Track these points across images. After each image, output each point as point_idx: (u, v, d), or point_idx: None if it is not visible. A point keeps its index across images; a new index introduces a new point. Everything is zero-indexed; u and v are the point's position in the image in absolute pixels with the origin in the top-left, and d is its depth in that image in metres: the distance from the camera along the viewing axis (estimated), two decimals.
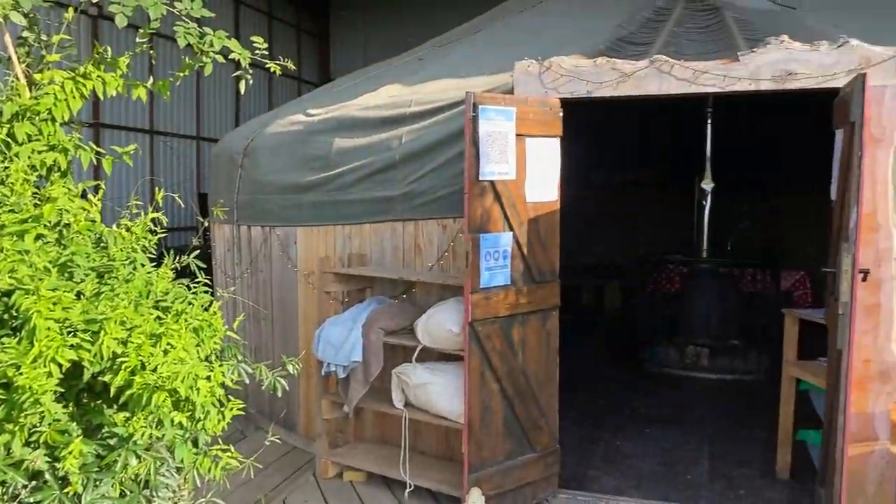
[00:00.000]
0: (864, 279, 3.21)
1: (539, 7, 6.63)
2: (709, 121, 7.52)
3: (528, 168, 3.94)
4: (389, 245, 4.66)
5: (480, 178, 3.71)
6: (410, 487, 4.16)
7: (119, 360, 2.12)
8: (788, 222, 11.56)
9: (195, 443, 2.38)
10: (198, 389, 2.18)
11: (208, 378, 2.28)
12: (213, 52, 2.66)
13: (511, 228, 3.88)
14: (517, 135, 3.84)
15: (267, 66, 2.81)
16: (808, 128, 10.34)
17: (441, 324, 3.94)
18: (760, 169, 11.81)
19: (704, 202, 7.35)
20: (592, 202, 12.61)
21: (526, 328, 4.00)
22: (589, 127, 11.28)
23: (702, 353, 7.02)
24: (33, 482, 2.12)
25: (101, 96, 2.61)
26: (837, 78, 3.55)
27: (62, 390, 2.14)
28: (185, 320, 2.32)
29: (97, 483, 2.16)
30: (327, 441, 4.59)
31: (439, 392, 4.00)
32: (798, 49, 3.65)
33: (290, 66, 2.87)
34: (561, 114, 4.04)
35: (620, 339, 8.44)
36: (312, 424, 4.91)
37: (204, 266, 2.70)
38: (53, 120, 2.49)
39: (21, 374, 1.98)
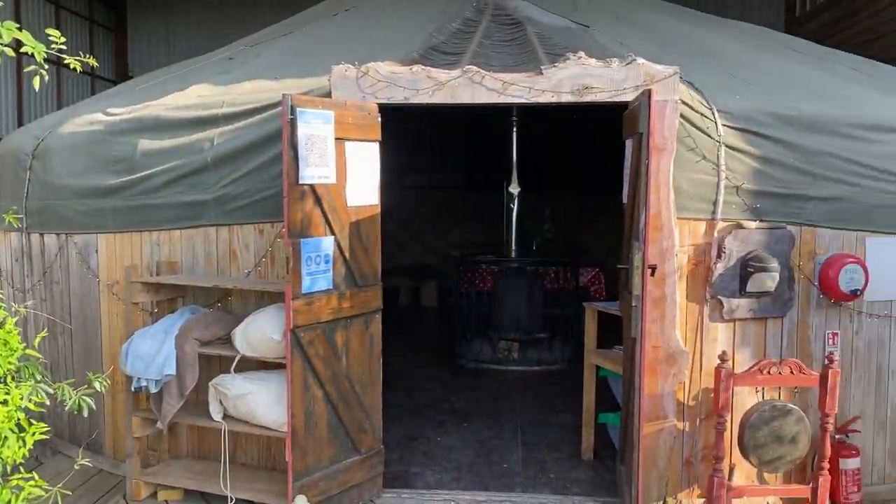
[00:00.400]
0: (652, 274, 3.58)
1: (351, 11, 6.66)
2: (514, 128, 7.97)
3: (349, 172, 3.96)
4: (202, 252, 4.47)
5: (300, 182, 3.68)
6: (232, 501, 4.02)
7: None
8: (583, 222, 12.53)
9: None
10: None
11: (4, 402, 2.08)
12: (2, 44, 2.42)
13: (332, 233, 3.87)
14: (336, 138, 3.84)
15: (66, 62, 2.60)
16: (602, 137, 11.27)
17: (261, 331, 3.85)
18: (562, 173, 12.66)
19: (512, 205, 7.78)
20: (408, 205, 12.87)
21: (349, 332, 4.01)
22: (402, 130, 11.50)
23: (512, 347, 7.41)
24: None
25: None
26: (627, 92, 3.92)
27: None
28: None
29: None
30: (139, 460, 4.31)
31: (261, 402, 3.91)
32: (593, 65, 3.98)
33: (93, 62, 2.68)
34: (379, 119, 4.10)
35: (437, 338, 8.69)
36: (121, 444, 4.60)
37: None
38: None
39: None
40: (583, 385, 4.89)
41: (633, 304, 3.46)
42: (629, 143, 3.92)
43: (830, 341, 4.14)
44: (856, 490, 4.04)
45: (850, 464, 4.03)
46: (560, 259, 7.89)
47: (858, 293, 4.01)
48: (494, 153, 12.31)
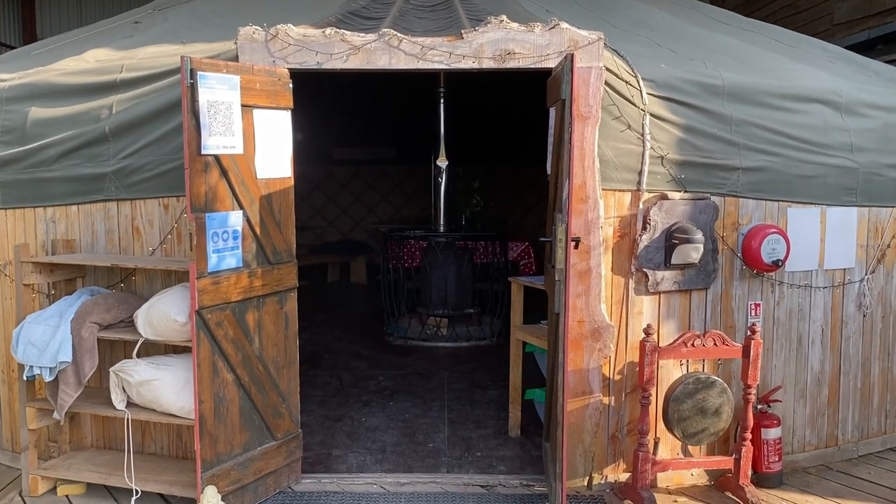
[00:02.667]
0: (576, 247, 3.45)
1: None
2: (441, 100, 7.76)
3: (258, 142, 3.68)
4: (102, 228, 4.13)
5: (203, 153, 3.39)
6: (137, 494, 3.75)
7: None
8: (513, 196, 12.46)
9: None
10: None
11: None
12: None
13: (241, 207, 3.60)
14: (243, 105, 3.55)
15: None
16: (526, 106, 11.16)
17: (165, 314, 3.56)
18: (491, 145, 12.53)
19: (440, 178, 7.59)
20: (336, 180, 12.54)
21: (262, 312, 3.76)
22: (329, 102, 11.13)
23: (441, 323, 7.27)
24: None
25: None
26: (550, 58, 3.75)
27: None
28: None
29: None
30: (35, 453, 3.98)
31: (166, 388, 3.63)
32: (516, 29, 3.80)
33: None
34: (290, 85, 3.83)
35: (366, 315, 8.48)
36: (20, 437, 4.24)
37: None
38: None
39: None
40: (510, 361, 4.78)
41: (557, 279, 3.32)
42: (553, 112, 3.77)
43: (753, 312, 4.11)
44: (777, 459, 4.05)
45: (771, 433, 4.03)
46: (488, 233, 7.74)
47: (780, 263, 3.98)
48: (424, 126, 12.09)
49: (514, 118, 12.03)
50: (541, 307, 5.04)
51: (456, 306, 7.41)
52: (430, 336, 7.17)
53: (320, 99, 11.30)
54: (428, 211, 12.81)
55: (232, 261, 3.57)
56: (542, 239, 3.56)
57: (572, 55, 3.21)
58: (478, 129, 12.29)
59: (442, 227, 7.64)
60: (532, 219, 12.40)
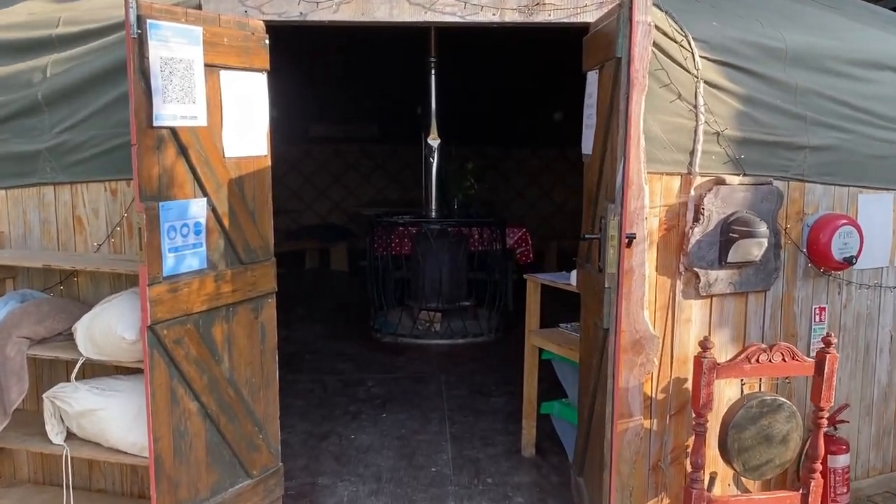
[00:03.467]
0: (629, 245, 2.77)
1: None
2: (433, 72, 7.02)
3: (226, 111, 2.94)
4: (37, 218, 3.36)
5: (155, 124, 2.64)
6: None
7: None
8: (500, 178, 11.76)
9: None
10: None
11: None
12: None
13: (205, 194, 2.87)
14: (207, 65, 2.81)
15: None
16: (518, 81, 10.40)
17: (109, 328, 2.82)
18: (477, 123, 11.77)
19: (431, 159, 6.86)
20: (314, 159, 11.73)
21: (232, 324, 3.04)
22: (307, 76, 10.31)
23: (434, 317, 6.58)
24: None
25: None
26: (587, 11, 3.05)
27: None
28: None
29: None
30: None
31: (114, 420, 2.90)
32: None
33: None
34: (267, 41, 3.08)
35: (350, 307, 7.76)
36: None
37: None
38: None
39: None
40: (516, 361, 4.13)
41: (607, 286, 2.64)
42: (593, 77, 3.07)
43: (817, 318, 3.47)
44: (845, 490, 3.44)
45: (839, 461, 3.41)
46: (487, 219, 7.04)
47: (853, 261, 3.34)
48: (410, 102, 11.32)
49: (504, 95, 11.32)
50: (554, 307, 4.42)
51: (450, 299, 6.72)
52: (423, 332, 6.48)
53: (296, 69, 10.49)
54: (413, 193, 12.06)
55: (194, 261, 2.84)
56: (587, 236, 2.87)
57: (631, 2, 2.50)
58: (465, 107, 11.54)
59: (433, 212, 6.93)
60: (521, 203, 11.72)
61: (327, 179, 11.80)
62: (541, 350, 4.07)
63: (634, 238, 2.82)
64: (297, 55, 10.28)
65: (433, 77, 6.93)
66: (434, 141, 6.85)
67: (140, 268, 2.64)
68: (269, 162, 3.20)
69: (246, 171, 3.05)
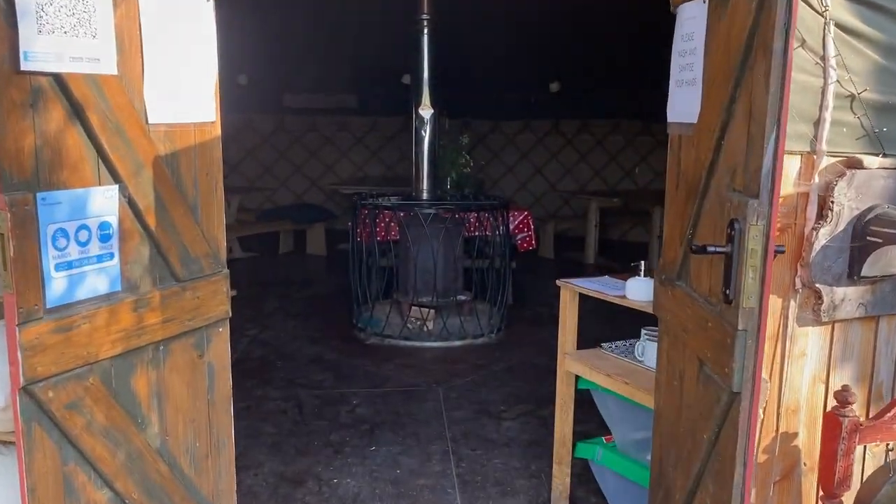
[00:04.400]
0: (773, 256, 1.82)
1: None
2: (425, 33, 5.98)
3: (149, 54, 1.92)
4: None
5: (25, 68, 1.62)
6: None
7: None
8: (489, 153, 10.77)
9: None
10: None
11: None
12: None
13: (116, 179, 1.86)
14: None
15: None
16: (509, 49, 9.34)
17: None
18: (465, 94, 10.76)
19: (423, 132, 5.86)
20: (288, 131, 10.63)
21: (164, 370, 2.05)
22: (277, 39, 9.18)
23: (427, 315, 5.63)
24: None
25: None
26: None
27: None
28: None
29: None
30: None
31: None
32: None
33: None
34: None
35: (328, 298, 6.78)
36: None
37: None
38: None
39: None
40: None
41: (741, 328, 1.69)
42: (696, 9, 2.09)
43: None
44: None
45: None
46: (490, 201, 6.06)
47: None
48: (392, 71, 10.23)
49: (494, 63, 10.29)
50: (582, 312, 3.52)
51: (445, 293, 5.78)
52: (414, 333, 5.53)
53: (267, 34, 9.37)
54: (395, 170, 11.04)
55: (100, 282, 1.83)
56: (710, 249, 1.88)
57: None
58: (454, 75, 10.50)
59: (425, 192, 5.95)
60: (511, 180, 10.75)
61: (302, 154, 10.73)
62: (578, 377, 3.14)
63: (783, 253, 1.87)
64: (265, 11, 9.15)
65: (426, 38, 5.89)
66: (426, 112, 5.85)
67: (5, 298, 1.64)
68: (217, 131, 2.19)
69: (182, 145, 2.04)
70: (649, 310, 2.64)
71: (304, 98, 10.37)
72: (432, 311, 5.63)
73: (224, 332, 2.27)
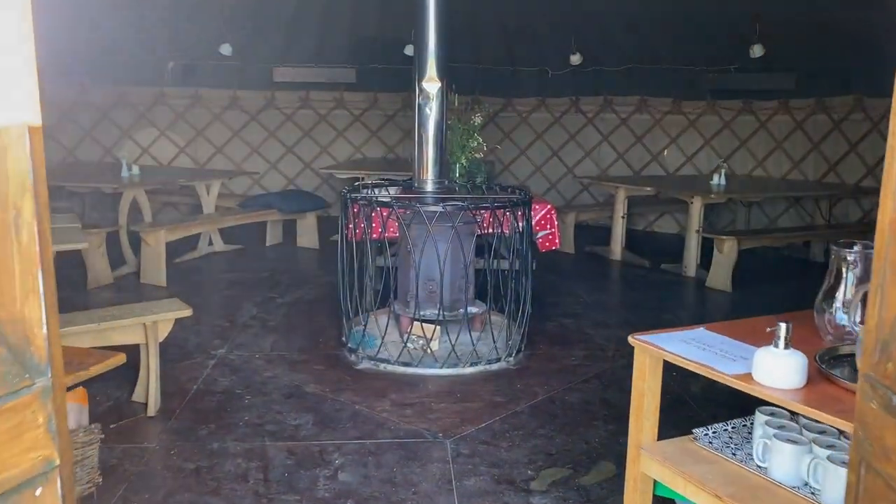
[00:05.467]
0: None
1: None
2: None
3: None
4: None
5: None
6: None
7: None
8: (498, 133, 9.63)
9: None
10: None
11: None
12: None
13: None
14: None
15: None
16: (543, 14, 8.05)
17: None
18: (495, 67, 9.62)
19: (429, 110, 4.74)
20: (278, 109, 9.48)
21: None
22: (266, 5, 7.98)
23: (432, 333, 4.55)
24: None
25: None
26: None
27: None
28: None
29: None
30: None
31: None
32: None
33: None
34: None
35: (317, 303, 5.70)
36: None
37: None
38: None
39: None
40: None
41: None
42: None
43: None
44: None
45: None
46: (512, 196, 4.92)
47: None
48: (394, 39, 9.06)
49: (506, 32, 9.10)
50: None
51: (453, 304, 4.70)
52: (415, 356, 4.45)
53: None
54: (396, 151, 9.93)
55: None
56: None
57: None
58: (462, 47, 9.32)
59: (429, 182, 4.84)
60: (524, 165, 9.60)
61: (295, 133, 9.59)
62: (657, 482, 2.06)
63: None
64: None
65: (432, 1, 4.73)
66: (432, 85, 4.72)
67: None
68: (27, 143, 1.07)
69: None
70: (792, 405, 1.56)
71: (296, 71, 9.22)
72: (437, 327, 4.55)
73: (49, 492, 1.17)
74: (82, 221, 7.85)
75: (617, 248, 7.46)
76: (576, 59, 8.62)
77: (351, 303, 4.64)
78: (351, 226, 4.67)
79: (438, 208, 4.32)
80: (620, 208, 7.39)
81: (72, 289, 5.92)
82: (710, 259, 6.42)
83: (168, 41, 8.53)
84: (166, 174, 7.44)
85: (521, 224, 4.62)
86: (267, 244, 7.84)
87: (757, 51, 7.29)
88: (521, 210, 4.56)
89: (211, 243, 7.37)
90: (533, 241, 5.37)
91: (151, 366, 3.78)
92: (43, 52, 1.15)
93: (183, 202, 8.39)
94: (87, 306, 5.14)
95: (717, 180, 7.22)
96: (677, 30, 8.00)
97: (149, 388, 3.78)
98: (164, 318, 3.77)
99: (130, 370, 3.71)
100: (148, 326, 3.72)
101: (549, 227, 5.53)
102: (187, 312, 3.84)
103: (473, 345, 4.47)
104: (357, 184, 5.28)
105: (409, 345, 4.51)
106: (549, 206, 5.55)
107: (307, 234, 7.73)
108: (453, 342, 4.41)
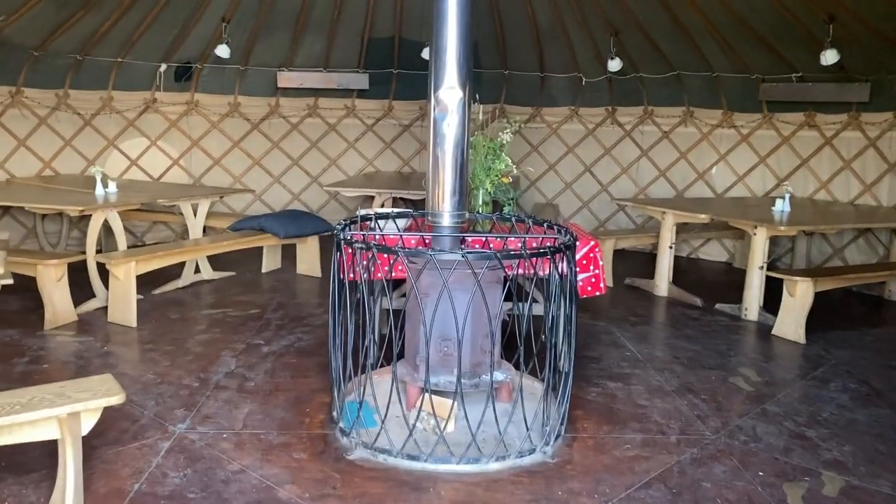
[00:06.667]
0: None
1: None
2: None
3: None
4: None
5: None
6: None
7: None
8: (534, 147, 8.55)
9: None
10: None
11: None
12: None
13: None
14: None
15: None
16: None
17: None
18: (522, 73, 8.62)
19: (446, 125, 3.69)
20: (283, 117, 8.49)
21: None
22: (274, 6, 6.97)
23: (450, 412, 3.48)
24: None
25: None
26: None
27: None
28: None
29: None
30: None
31: None
32: None
33: None
34: None
35: (310, 353, 4.66)
36: None
37: None
38: None
39: None
40: None
41: None
42: None
43: None
44: None
45: None
46: (545, 247, 3.83)
47: None
48: (410, 42, 8.04)
49: (536, 33, 8.04)
50: None
51: (474, 370, 3.65)
52: (424, 444, 3.38)
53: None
54: (411, 165, 8.90)
55: None
56: None
57: None
58: (486, 51, 8.30)
59: (447, 215, 3.76)
60: (553, 181, 8.52)
61: (301, 145, 8.60)
62: None
63: None
64: None
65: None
66: (452, 95, 3.66)
67: None
68: None
69: None
70: None
71: (302, 76, 8.23)
72: (454, 403, 3.49)
73: None
74: (57, 246, 6.93)
75: (663, 282, 6.35)
76: (614, 64, 7.53)
77: (345, 368, 3.59)
78: (349, 267, 3.62)
79: (457, 256, 3.25)
80: (668, 236, 6.29)
81: (23, 330, 4.93)
82: (774, 298, 5.33)
83: (159, 41, 7.56)
84: (148, 192, 6.42)
85: (562, 268, 3.55)
86: (263, 271, 6.83)
87: (830, 57, 6.15)
88: (566, 252, 3.48)
89: (198, 270, 6.37)
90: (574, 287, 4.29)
91: (69, 470, 2.76)
92: None
93: (177, 221, 7.42)
94: (11, 372, 4.19)
95: (781, 206, 6.10)
96: (730, 33, 6.89)
97: (66, 499, 2.76)
98: (87, 409, 2.75)
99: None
100: (64, 421, 2.70)
101: (592, 267, 4.46)
102: (117, 399, 2.82)
103: (500, 433, 3.38)
104: (358, 213, 4.23)
105: (418, 424, 3.45)
106: (592, 243, 4.47)
107: (308, 260, 6.71)
108: (475, 428, 3.33)
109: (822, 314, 5.38)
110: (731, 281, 7.10)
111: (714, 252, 7.95)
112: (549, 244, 3.58)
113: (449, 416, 3.48)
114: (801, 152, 7.32)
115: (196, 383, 4.18)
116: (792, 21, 6.31)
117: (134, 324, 5.13)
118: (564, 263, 3.52)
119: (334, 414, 3.68)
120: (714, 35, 6.99)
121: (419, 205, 6.58)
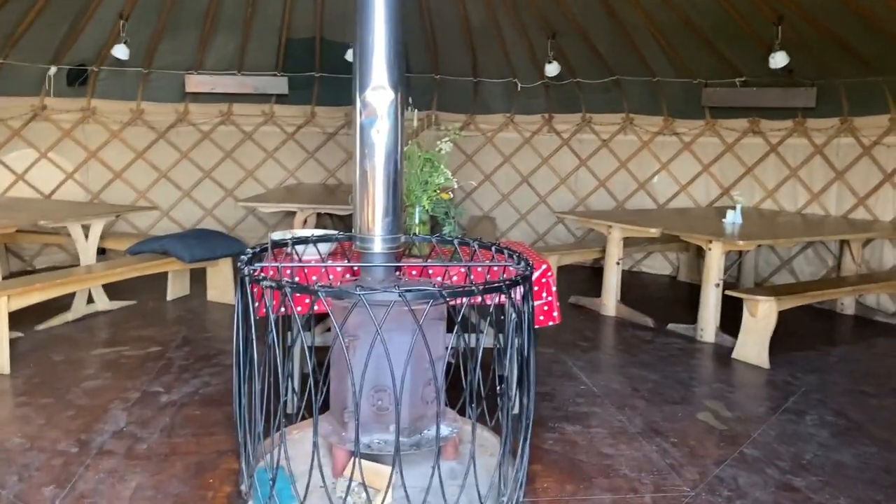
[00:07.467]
0: None
1: None
2: None
3: None
4: None
5: None
6: None
7: None
8: (467, 156, 7.99)
9: None
10: None
11: None
12: None
13: None
14: None
15: None
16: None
17: None
18: (454, 78, 8.04)
19: (375, 132, 3.05)
20: (193, 125, 7.62)
21: None
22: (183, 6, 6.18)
23: (386, 485, 2.83)
24: None
25: None
26: None
27: None
28: None
29: None
30: None
31: None
32: None
33: None
34: None
35: (215, 409, 3.92)
36: None
37: None
38: None
39: None
40: None
41: None
42: None
43: None
44: None
45: None
46: (513, 276, 3.21)
47: None
48: (334, 43, 7.38)
49: (469, 36, 7.51)
50: None
51: (414, 424, 3.02)
52: None
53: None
54: (337, 177, 8.20)
55: None
56: None
57: None
58: (414, 54, 7.72)
59: (378, 239, 3.12)
60: (489, 192, 7.97)
61: (214, 155, 7.78)
62: None
63: None
64: None
65: None
66: (381, 97, 3.03)
67: None
68: None
69: None
70: None
71: (214, 80, 7.43)
72: (391, 471, 2.84)
73: None
74: None
75: (611, 301, 5.88)
76: (551, 69, 7.06)
77: (251, 429, 2.89)
78: (259, 303, 2.93)
79: (392, 295, 2.60)
80: (615, 252, 5.82)
81: None
82: (729, 315, 4.94)
83: (46, 39, 6.63)
84: (29, 212, 5.51)
85: (517, 300, 2.95)
86: (168, 298, 6.00)
87: (779, 59, 5.83)
88: (523, 285, 2.89)
89: (92, 300, 5.50)
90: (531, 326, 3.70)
91: None
92: None
93: (72, 242, 6.46)
94: None
95: (732, 218, 5.72)
96: (673, 35, 6.53)
97: None
98: None
99: None
100: None
101: (544, 294, 3.89)
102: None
103: (444, 498, 2.76)
104: (270, 238, 3.53)
105: (348, 499, 2.78)
106: (544, 267, 3.90)
107: (219, 285, 5.93)
108: (419, 501, 2.70)
109: (777, 332, 4.97)
110: (678, 296, 6.73)
111: (657, 265, 7.58)
112: (500, 272, 2.99)
113: (387, 489, 2.83)
114: (746, 160, 7.02)
115: (74, 448, 3.38)
116: (738, 21, 5.97)
117: (7, 370, 4.28)
118: (520, 296, 2.93)
119: (242, 488, 2.97)
120: (656, 37, 6.62)
121: (348, 220, 5.92)
